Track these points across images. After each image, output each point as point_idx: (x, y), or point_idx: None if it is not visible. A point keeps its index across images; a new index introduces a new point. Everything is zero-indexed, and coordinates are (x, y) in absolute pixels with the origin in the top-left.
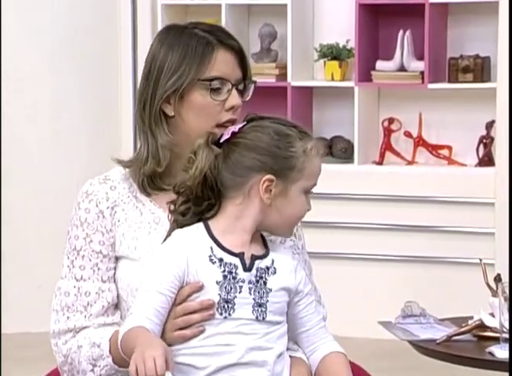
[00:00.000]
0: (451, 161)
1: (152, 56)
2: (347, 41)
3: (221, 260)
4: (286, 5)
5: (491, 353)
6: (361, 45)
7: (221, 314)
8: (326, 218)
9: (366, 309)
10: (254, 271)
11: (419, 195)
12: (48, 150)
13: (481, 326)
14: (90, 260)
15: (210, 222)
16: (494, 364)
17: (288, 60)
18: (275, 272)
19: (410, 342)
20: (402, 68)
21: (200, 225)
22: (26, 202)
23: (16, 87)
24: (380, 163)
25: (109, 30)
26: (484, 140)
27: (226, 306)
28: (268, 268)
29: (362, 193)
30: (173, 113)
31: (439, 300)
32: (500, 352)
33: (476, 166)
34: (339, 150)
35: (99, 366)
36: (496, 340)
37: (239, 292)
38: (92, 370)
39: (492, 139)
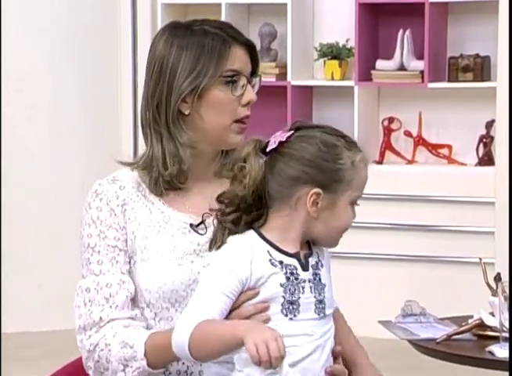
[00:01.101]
0: (451, 161)
1: (161, 57)
2: (347, 41)
3: (281, 262)
4: (286, 5)
5: (491, 352)
6: (361, 44)
7: (286, 315)
8: None
9: (366, 309)
10: (310, 269)
11: (419, 194)
12: (48, 149)
13: (481, 325)
14: (107, 254)
15: (261, 230)
16: (494, 363)
17: (288, 60)
18: (322, 265)
19: (410, 341)
20: (401, 67)
21: (252, 232)
22: (26, 202)
23: (16, 87)
24: (380, 162)
25: (109, 30)
26: (484, 139)
27: (291, 308)
28: (317, 263)
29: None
30: (188, 112)
31: (439, 299)
32: (500, 351)
33: (476, 165)
34: None
35: (131, 367)
36: (496, 339)
37: (303, 293)
38: (124, 371)
39: (492, 139)
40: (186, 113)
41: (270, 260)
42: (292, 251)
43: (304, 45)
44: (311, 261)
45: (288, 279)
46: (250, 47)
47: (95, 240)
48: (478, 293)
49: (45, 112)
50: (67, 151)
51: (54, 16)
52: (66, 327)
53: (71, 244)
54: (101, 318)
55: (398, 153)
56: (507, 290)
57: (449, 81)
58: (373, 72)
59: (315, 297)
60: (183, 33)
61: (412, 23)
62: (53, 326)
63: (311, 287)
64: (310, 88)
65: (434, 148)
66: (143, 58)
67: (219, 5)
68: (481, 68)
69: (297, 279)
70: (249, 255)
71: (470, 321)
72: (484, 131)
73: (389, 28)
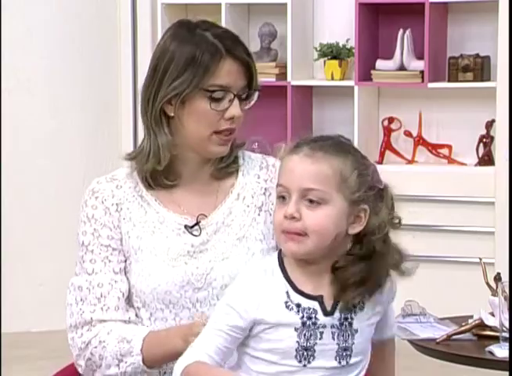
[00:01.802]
0: (451, 160)
1: (161, 50)
2: (347, 41)
3: (298, 305)
4: (286, 5)
5: (491, 352)
6: (361, 44)
7: (300, 362)
8: None
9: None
10: (336, 314)
11: (419, 194)
12: (48, 149)
13: (481, 325)
14: (100, 253)
15: (286, 260)
16: (494, 363)
17: (288, 59)
18: (362, 308)
19: (410, 341)
20: (401, 67)
21: (276, 265)
22: (26, 201)
23: (15, 87)
24: (380, 162)
25: (109, 30)
26: (484, 139)
27: (306, 354)
28: (354, 306)
29: None
30: (173, 114)
31: (439, 299)
32: (500, 351)
33: (476, 165)
34: None
35: (126, 362)
36: (496, 339)
37: (320, 338)
38: (118, 366)
39: (492, 139)
40: (171, 115)
41: (286, 302)
42: (316, 293)
43: (304, 45)
44: (342, 304)
45: (304, 324)
46: (244, 61)
47: (89, 239)
48: (478, 293)
49: (45, 112)
50: (67, 151)
51: (53, 15)
52: (66, 327)
53: (71, 243)
54: (92, 318)
55: (398, 153)
56: (507, 290)
57: (449, 81)
58: (373, 72)
59: (337, 344)
60: (186, 31)
61: (413, 22)
62: (53, 326)
63: (333, 333)
64: (310, 88)
65: (434, 148)
66: (143, 57)
67: (219, 5)
68: (481, 68)
69: (315, 324)
70: (259, 296)
71: (470, 321)
72: (484, 131)
73: (389, 28)
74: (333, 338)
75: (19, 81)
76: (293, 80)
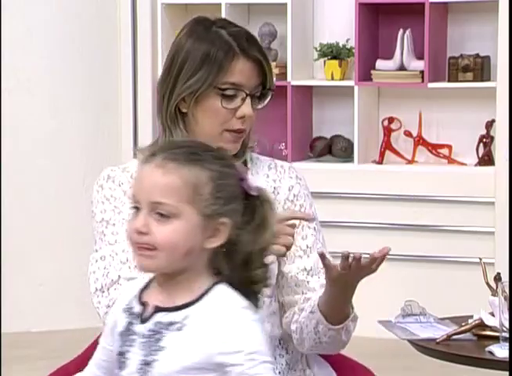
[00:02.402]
0: (451, 161)
1: (176, 47)
2: (347, 41)
3: (129, 309)
4: (286, 5)
5: (491, 352)
6: (361, 44)
7: (119, 368)
8: (326, 217)
9: (366, 308)
10: (149, 324)
11: (419, 194)
12: (47, 149)
13: (481, 325)
14: (122, 226)
15: None
16: (494, 363)
17: (288, 59)
18: (180, 329)
19: (410, 341)
20: (401, 67)
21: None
22: (26, 201)
23: (15, 87)
24: (380, 162)
25: (109, 30)
26: (484, 139)
27: (120, 360)
28: (171, 323)
29: (362, 192)
30: (186, 111)
31: (439, 299)
32: (500, 351)
33: (476, 165)
34: (339, 149)
35: None
36: (496, 339)
37: (131, 346)
38: None
39: (492, 139)
40: (184, 111)
41: (125, 305)
42: (147, 299)
43: (304, 45)
44: (162, 317)
45: (125, 328)
46: (258, 61)
47: (109, 215)
48: (478, 293)
49: (45, 112)
50: (67, 151)
51: (53, 15)
52: (66, 327)
53: (71, 243)
54: (119, 276)
55: (398, 153)
56: (507, 290)
57: (449, 81)
58: (373, 72)
59: (143, 355)
60: (202, 30)
61: (413, 22)
62: (53, 326)
63: (141, 343)
64: (310, 88)
65: (434, 148)
66: (143, 57)
67: (219, 4)
68: (481, 68)
69: (129, 330)
70: (119, 304)
71: (470, 321)
72: (484, 131)
73: (389, 28)
74: (141, 349)
75: (19, 81)
76: (293, 80)
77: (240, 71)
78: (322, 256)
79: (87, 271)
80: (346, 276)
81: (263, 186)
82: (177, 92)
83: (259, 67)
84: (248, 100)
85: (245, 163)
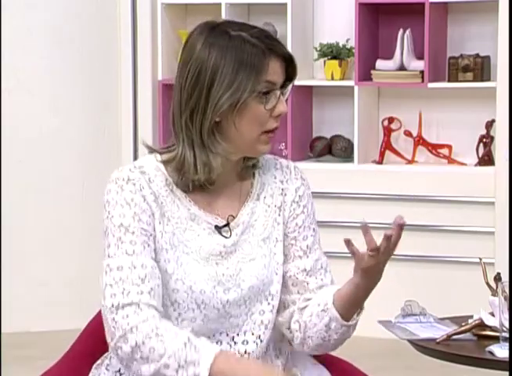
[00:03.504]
0: (451, 160)
1: (199, 61)
2: (347, 41)
3: None
4: (286, 5)
5: (491, 352)
6: (361, 44)
7: None
8: (326, 217)
9: (366, 308)
10: None
11: (419, 194)
12: (47, 149)
13: (481, 325)
14: (140, 236)
15: None
16: (494, 363)
17: None
18: None
19: (410, 341)
20: (401, 67)
21: None
22: (26, 201)
23: (15, 87)
24: (380, 162)
25: (109, 30)
26: (484, 139)
27: None
28: None
29: (362, 192)
30: (220, 119)
31: (439, 299)
32: (500, 351)
33: (476, 165)
34: (339, 149)
35: (187, 370)
36: (496, 339)
37: None
38: (176, 370)
39: (492, 139)
40: (218, 120)
41: None
42: None
43: (304, 45)
44: None
45: None
46: (287, 58)
47: (129, 221)
48: (478, 293)
49: (45, 112)
50: (67, 151)
51: (53, 15)
52: (66, 327)
53: (72, 243)
54: (140, 300)
55: (398, 153)
56: (507, 290)
57: (449, 81)
58: (373, 72)
59: None
60: (221, 37)
61: (413, 22)
62: (53, 326)
63: None
64: (310, 88)
65: (434, 148)
66: (143, 57)
67: (219, 5)
68: (481, 68)
69: None
70: None
71: (470, 321)
72: (484, 131)
73: (389, 28)
74: None
75: (19, 81)
76: None
77: (274, 70)
78: (348, 243)
79: (99, 277)
80: (376, 260)
81: (271, 188)
82: (213, 106)
83: (286, 63)
84: (282, 98)
85: (256, 165)
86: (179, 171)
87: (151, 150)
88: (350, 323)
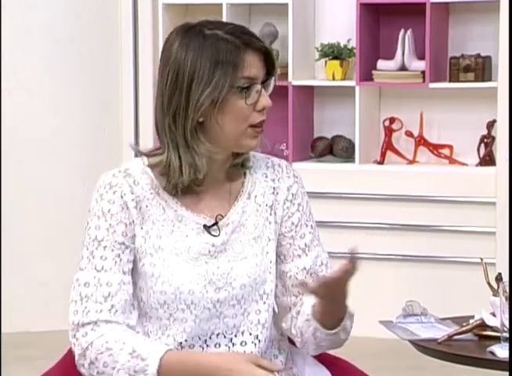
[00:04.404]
0: (452, 161)
1: (176, 64)
2: (348, 41)
3: None
4: (287, 5)
5: (492, 352)
6: (362, 44)
7: None
8: (327, 217)
9: (367, 309)
10: None
11: (420, 194)
12: (47, 149)
13: (482, 325)
14: (112, 250)
15: None
16: (495, 363)
17: (289, 60)
18: None
19: (411, 342)
20: (403, 67)
21: None
22: (26, 201)
23: (15, 87)
24: (381, 162)
25: (109, 30)
26: (486, 140)
27: None
28: None
29: (363, 192)
30: (203, 119)
31: (440, 299)
32: (501, 351)
33: (477, 165)
34: (340, 149)
35: None
36: (497, 339)
37: None
38: None
39: (493, 139)
40: (201, 120)
41: None
42: None
43: (305, 45)
44: None
45: None
46: (263, 51)
47: (103, 234)
48: (479, 293)
49: (45, 112)
50: (67, 151)
51: (54, 15)
52: (66, 327)
53: (71, 243)
54: (98, 319)
55: (399, 154)
56: (508, 290)
57: (450, 81)
58: (374, 72)
59: None
60: (196, 37)
61: (414, 23)
62: (53, 326)
63: None
64: (311, 88)
65: (435, 148)
66: (144, 58)
67: (220, 5)
68: (482, 68)
69: None
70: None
71: (471, 321)
72: (485, 132)
73: (390, 28)
74: None
75: (19, 81)
76: (295, 80)
77: (251, 64)
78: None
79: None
80: (329, 291)
81: (262, 187)
82: (194, 104)
83: (264, 57)
84: (264, 91)
85: (246, 164)
86: (166, 175)
87: (139, 154)
88: (334, 331)
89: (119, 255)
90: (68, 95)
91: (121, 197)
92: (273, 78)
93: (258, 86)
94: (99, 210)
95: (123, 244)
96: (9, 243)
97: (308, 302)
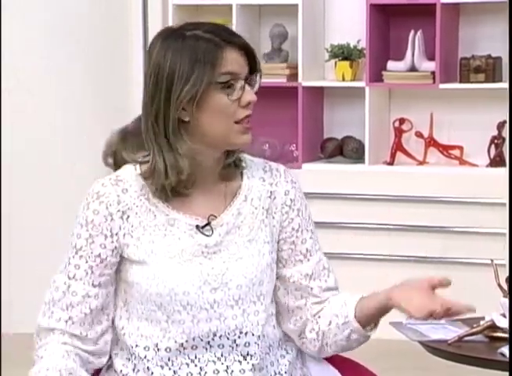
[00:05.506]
0: (462, 162)
1: (157, 65)
2: (358, 42)
3: None
4: (297, 6)
5: (502, 354)
6: (372, 45)
7: None
8: (337, 218)
9: None
10: None
11: (430, 195)
12: (47, 149)
13: (493, 326)
14: (86, 262)
15: None
16: (505, 365)
17: (299, 60)
18: None
19: (421, 343)
20: (413, 68)
21: None
22: (26, 201)
23: (15, 87)
24: (391, 163)
25: (119, 31)
26: (496, 140)
27: None
28: None
29: (373, 193)
30: (188, 119)
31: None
32: None
33: (487, 166)
34: (350, 150)
35: None
36: (507, 341)
37: None
38: None
39: (504, 140)
40: (186, 119)
41: None
42: None
43: (315, 46)
44: None
45: None
46: (243, 48)
47: (81, 243)
48: (490, 294)
49: (46, 113)
50: (67, 151)
51: (63, 16)
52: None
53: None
54: (55, 327)
55: (409, 154)
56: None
57: (461, 81)
58: (384, 73)
59: None
60: (175, 38)
61: (424, 23)
62: None
63: None
64: (321, 89)
65: (445, 149)
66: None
67: (230, 6)
68: (492, 69)
69: None
70: None
71: (481, 323)
72: (495, 132)
73: (400, 29)
74: None
75: (19, 81)
76: (304, 81)
77: (232, 60)
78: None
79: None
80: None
81: (259, 190)
82: (174, 102)
83: (245, 54)
84: (247, 87)
85: (239, 165)
86: (154, 180)
87: (131, 161)
88: (372, 332)
89: (91, 267)
90: (77, 96)
91: (106, 207)
92: (258, 75)
93: (241, 82)
94: (84, 218)
95: (99, 256)
96: (10, 243)
97: (346, 305)
